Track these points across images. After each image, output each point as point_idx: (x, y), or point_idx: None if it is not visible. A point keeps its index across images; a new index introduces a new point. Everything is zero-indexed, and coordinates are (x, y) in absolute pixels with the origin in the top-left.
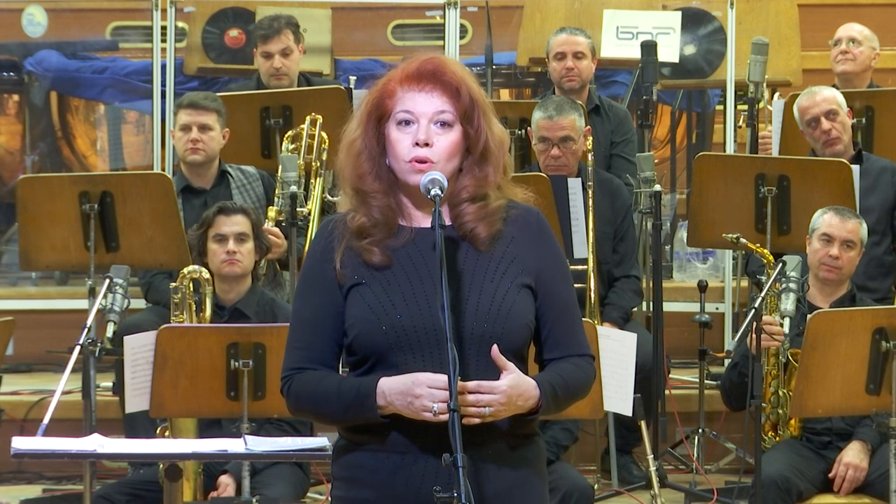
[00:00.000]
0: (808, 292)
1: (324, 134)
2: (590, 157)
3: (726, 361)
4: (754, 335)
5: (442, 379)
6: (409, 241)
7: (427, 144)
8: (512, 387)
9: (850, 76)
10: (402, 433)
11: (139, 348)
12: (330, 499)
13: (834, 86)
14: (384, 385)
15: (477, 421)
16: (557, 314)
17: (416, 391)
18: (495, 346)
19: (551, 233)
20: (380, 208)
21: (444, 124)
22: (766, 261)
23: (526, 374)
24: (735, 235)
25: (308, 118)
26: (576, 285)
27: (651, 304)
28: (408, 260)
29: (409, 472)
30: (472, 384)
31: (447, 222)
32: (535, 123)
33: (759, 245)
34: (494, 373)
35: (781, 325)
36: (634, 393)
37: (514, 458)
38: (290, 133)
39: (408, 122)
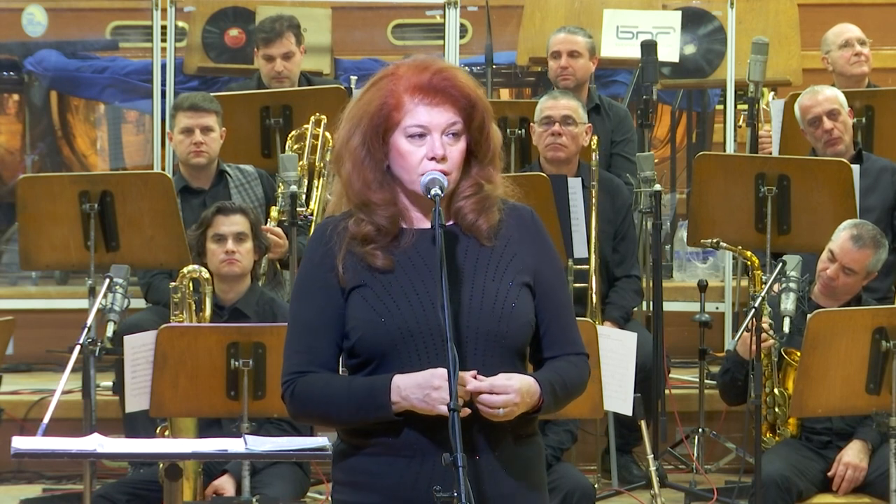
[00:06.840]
0: (813, 292)
1: (328, 134)
2: (594, 156)
3: None
4: (754, 336)
5: (461, 376)
6: (410, 244)
7: (444, 159)
8: (521, 384)
9: (865, 77)
10: (407, 436)
11: (139, 348)
12: (331, 502)
13: (832, 85)
14: (399, 380)
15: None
16: (554, 313)
17: (435, 383)
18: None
19: (546, 231)
20: (386, 216)
21: (455, 135)
22: (749, 262)
23: (524, 372)
24: (714, 240)
25: (312, 118)
26: (577, 285)
27: (651, 303)
28: (409, 262)
29: (417, 475)
30: (485, 385)
31: (448, 221)
32: (539, 108)
33: (741, 247)
34: (497, 372)
35: (771, 324)
36: (634, 392)
37: (519, 459)
38: (293, 133)
39: (420, 136)
